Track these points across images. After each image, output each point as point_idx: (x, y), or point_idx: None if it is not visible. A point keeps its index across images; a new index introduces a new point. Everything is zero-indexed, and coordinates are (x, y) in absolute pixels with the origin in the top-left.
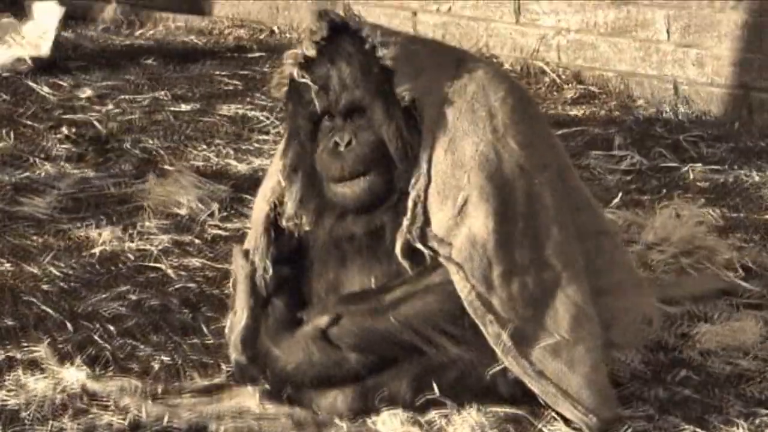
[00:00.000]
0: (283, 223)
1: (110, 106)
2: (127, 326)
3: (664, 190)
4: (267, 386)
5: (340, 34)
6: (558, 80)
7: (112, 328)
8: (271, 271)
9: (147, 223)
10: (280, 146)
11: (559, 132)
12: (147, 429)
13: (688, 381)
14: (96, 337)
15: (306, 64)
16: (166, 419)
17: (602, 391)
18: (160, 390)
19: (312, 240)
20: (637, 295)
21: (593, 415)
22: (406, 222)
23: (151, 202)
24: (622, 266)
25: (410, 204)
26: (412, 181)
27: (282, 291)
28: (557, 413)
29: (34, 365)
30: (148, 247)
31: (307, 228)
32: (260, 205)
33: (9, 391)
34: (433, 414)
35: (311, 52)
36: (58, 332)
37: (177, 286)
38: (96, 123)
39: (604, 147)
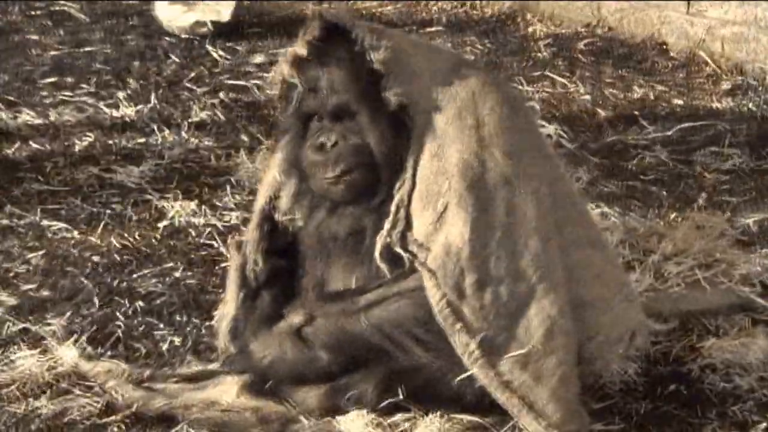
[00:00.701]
0: (278, 217)
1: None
2: (156, 304)
3: (753, 194)
4: (250, 378)
5: (334, 36)
6: (718, 71)
7: (140, 305)
8: (261, 264)
9: (226, 199)
10: (279, 141)
11: (686, 125)
12: (118, 414)
13: (677, 396)
14: (118, 314)
15: (300, 63)
16: (135, 406)
17: (569, 405)
18: (146, 375)
19: (303, 236)
20: (623, 310)
21: (556, 430)
22: (387, 225)
23: (242, 177)
24: (611, 280)
25: (393, 208)
26: (397, 185)
27: (272, 284)
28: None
29: (40, 340)
30: (215, 223)
31: (300, 224)
32: (259, 198)
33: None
34: (398, 417)
35: (303, 52)
36: (84, 307)
37: (224, 265)
38: (255, 89)
39: (720, 143)
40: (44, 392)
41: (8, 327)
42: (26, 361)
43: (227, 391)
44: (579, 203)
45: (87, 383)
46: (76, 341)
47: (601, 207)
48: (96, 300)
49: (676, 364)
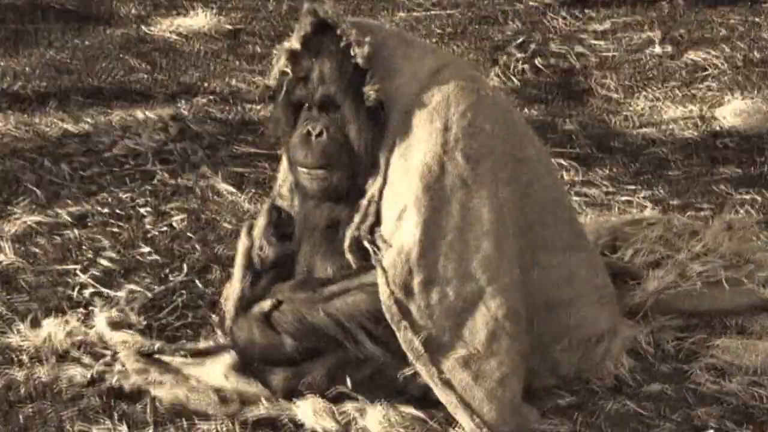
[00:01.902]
0: (278, 201)
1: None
2: (208, 278)
3: None
4: (235, 358)
5: (326, 30)
6: None
7: (195, 282)
8: (265, 248)
9: None
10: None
11: None
12: (100, 386)
13: (655, 395)
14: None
15: (294, 56)
16: (114, 379)
17: (505, 406)
18: (156, 347)
19: (296, 223)
20: (593, 314)
21: (488, 430)
22: (357, 218)
23: None
24: (583, 283)
25: (365, 202)
26: (370, 180)
27: (276, 269)
28: None
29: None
30: None
31: (297, 210)
32: (275, 184)
33: (22, 333)
34: (348, 406)
35: (296, 46)
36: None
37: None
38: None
39: None
40: (49, 359)
41: (80, 289)
42: (54, 327)
43: (216, 368)
44: (556, 207)
45: (99, 352)
46: (123, 309)
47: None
48: (149, 270)
49: (677, 362)
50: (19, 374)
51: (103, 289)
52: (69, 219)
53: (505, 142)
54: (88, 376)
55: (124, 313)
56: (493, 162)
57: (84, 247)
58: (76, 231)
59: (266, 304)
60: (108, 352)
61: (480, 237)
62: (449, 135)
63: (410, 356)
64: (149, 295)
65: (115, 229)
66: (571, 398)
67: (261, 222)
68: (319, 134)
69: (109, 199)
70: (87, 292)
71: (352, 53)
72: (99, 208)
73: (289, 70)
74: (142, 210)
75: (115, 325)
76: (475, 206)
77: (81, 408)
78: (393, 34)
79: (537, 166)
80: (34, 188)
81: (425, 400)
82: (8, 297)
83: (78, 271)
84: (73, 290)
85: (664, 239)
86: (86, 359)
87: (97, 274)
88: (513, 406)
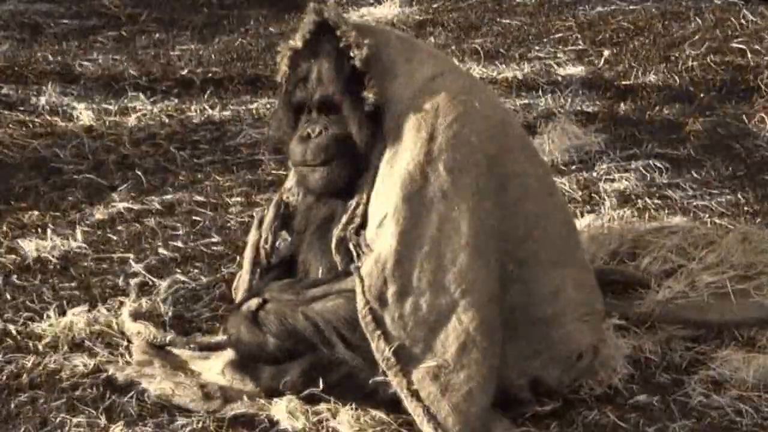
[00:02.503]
0: (286, 195)
1: None
2: None
3: None
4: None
5: (326, 31)
6: None
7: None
8: (270, 242)
9: None
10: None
11: None
12: (97, 376)
13: (638, 407)
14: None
15: (295, 56)
16: (111, 371)
17: (471, 420)
18: (168, 339)
19: (297, 219)
20: (575, 330)
21: None
22: (344, 219)
23: None
24: (568, 299)
25: (353, 204)
26: (360, 182)
27: (283, 263)
28: None
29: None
30: None
31: (296, 205)
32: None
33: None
34: (322, 406)
35: (298, 44)
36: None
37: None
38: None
39: None
40: (61, 348)
41: (128, 278)
42: (76, 316)
43: (216, 364)
44: (546, 223)
45: (114, 342)
46: (154, 300)
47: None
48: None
49: (678, 373)
50: (29, 362)
51: (151, 279)
52: (158, 207)
53: (491, 155)
54: (90, 366)
55: (155, 304)
56: (477, 175)
57: (156, 235)
58: (158, 219)
59: (253, 303)
60: (124, 343)
61: (457, 250)
62: (434, 145)
63: (382, 365)
64: (193, 285)
65: (198, 218)
66: (554, 405)
67: (269, 215)
68: (318, 135)
69: (209, 188)
70: (134, 281)
71: (351, 55)
72: (195, 197)
73: (289, 72)
74: (234, 200)
75: (137, 316)
76: (454, 218)
77: (71, 398)
78: (396, 38)
79: (528, 181)
80: (142, 175)
81: (395, 404)
82: (58, 283)
83: (132, 261)
84: (122, 279)
85: (680, 248)
86: (98, 349)
87: (154, 263)
88: (479, 420)
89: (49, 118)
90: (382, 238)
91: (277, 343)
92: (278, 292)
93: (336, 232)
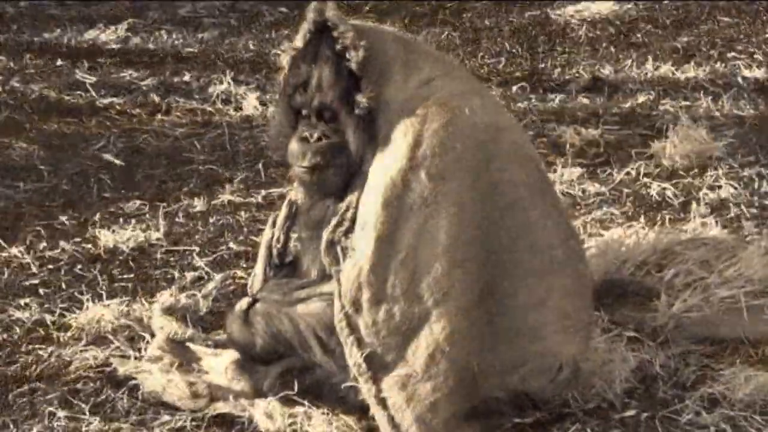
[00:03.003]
0: (297, 195)
1: None
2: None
3: None
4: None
5: (326, 33)
6: None
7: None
8: (282, 241)
9: None
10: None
11: None
12: (102, 370)
13: (623, 422)
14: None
15: (296, 58)
16: (114, 365)
17: (434, 430)
18: (187, 335)
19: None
20: (557, 342)
21: None
22: (333, 222)
23: None
24: (552, 310)
25: (343, 207)
26: (352, 185)
27: (293, 263)
28: None
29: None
30: None
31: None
32: None
33: (83, 314)
34: (298, 409)
35: (299, 45)
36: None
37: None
38: None
39: None
40: (81, 340)
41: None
42: (104, 308)
43: (223, 362)
44: (536, 233)
45: (136, 336)
46: (194, 294)
47: None
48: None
49: (681, 390)
50: (46, 353)
51: (209, 273)
52: (260, 200)
53: (477, 164)
54: (99, 359)
55: (195, 299)
56: (460, 183)
57: (240, 229)
58: (254, 213)
59: (244, 302)
60: (147, 337)
61: (432, 258)
62: (418, 151)
63: (353, 371)
64: (245, 282)
65: None
66: (535, 417)
67: (281, 214)
68: (317, 141)
69: None
70: (190, 275)
71: (347, 57)
72: None
73: (289, 75)
74: None
75: (170, 311)
76: (432, 227)
77: (68, 391)
78: (394, 39)
79: (518, 190)
80: (262, 168)
81: (367, 410)
82: (118, 275)
83: (196, 254)
84: (178, 271)
85: (704, 261)
86: (117, 343)
87: (221, 257)
88: (443, 431)
89: (214, 107)
90: (360, 243)
91: (263, 344)
92: (269, 292)
93: (325, 235)
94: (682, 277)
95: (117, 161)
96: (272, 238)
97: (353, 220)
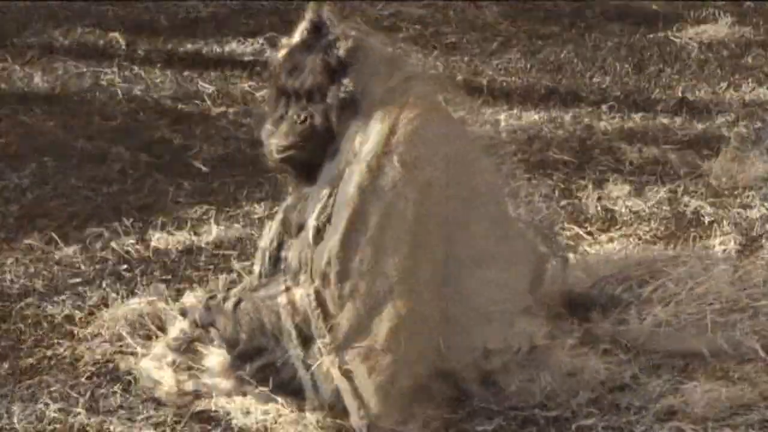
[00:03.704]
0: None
1: None
2: None
3: None
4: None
5: (321, 29)
6: None
7: None
8: (275, 245)
9: None
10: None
11: None
12: (107, 365)
13: (579, 429)
14: None
15: (293, 50)
16: (116, 361)
17: (391, 402)
18: (194, 335)
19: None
20: (518, 325)
21: (367, 421)
22: (318, 208)
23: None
24: (514, 296)
25: (325, 193)
26: (333, 172)
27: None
28: None
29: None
30: None
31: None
32: None
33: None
34: (271, 406)
35: (296, 40)
36: None
37: None
38: None
39: None
40: (98, 337)
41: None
42: (125, 307)
43: (221, 360)
44: (502, 224)
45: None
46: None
47: None
48: None
49: (645, 401)
50: (62, 347)
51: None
52: None
53: (450, 153)
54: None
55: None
56: (430, 170)
57: None
58: None
59: (231, 300)
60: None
61: (399, 238)
62: (393, 138)
63: (319, 344)
64: None
65: None
66: (499, 423)
67: (276, 218)
68: (303, 121)
69: None
70: (222, 278)
71: (336, 46)
72: None
73: (283, 63)
74: None
75: (184, 311)
76: (401, 208)
77: (69, 384)
78: (383, 43)
79: (486, 181)
80: None
81: (332, 408)
82: (159, 276)
83: (233, 258)
84: (217, 274)
85: (681, 279)
86: (130, 340)
87: None
88: (399, 402)
89: None
90: (335, 224)
91: (247, 339)
92: (251, 289)
93: (311, 222)
94: (660, 292)
95: (204, 168)
96: (267, 241)
97: (334, 206)
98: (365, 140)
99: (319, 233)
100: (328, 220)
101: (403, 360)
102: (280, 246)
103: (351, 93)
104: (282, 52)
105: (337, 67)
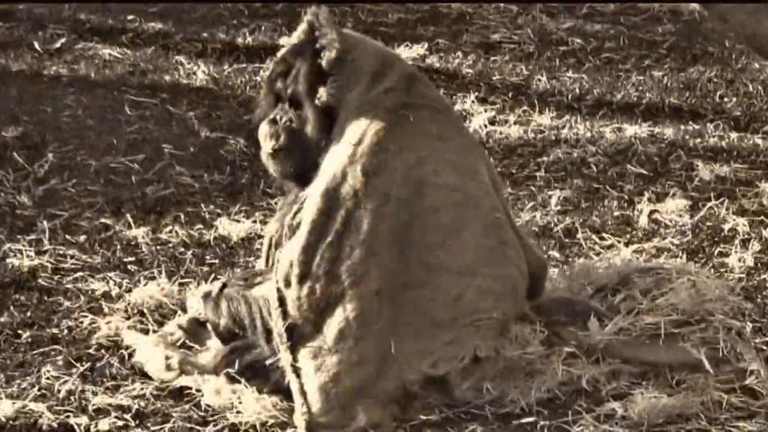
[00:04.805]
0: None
1: None
2: None
3: None
4: None
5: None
6: None
7: None
8: (276, 238)
9: None
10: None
11: None
12: (113, 340)
13: (521, 427)
14: None
15: (288, 52)
16: (122, 335)
17: (332, 401)
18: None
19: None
20: (467, 336)
21: (307, 417)
22: (294, 209)
23: None
24: (469, 306)
25: (303, 196)
26: (310, 176)
27: None
28: None
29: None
30: None
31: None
32: None
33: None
34: (238, 387)
35: (293, 42)
36: None
37: None
38: None
39: None
40: (120, 313)
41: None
42: (161, 289)
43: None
44: (464, 233)
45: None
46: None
47: None
48: None
49: (595, 404)
50: (86, 321)
51: None
52: None
53: (411, 165)
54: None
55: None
56: (391, 181)
57: None
58: None
59: (216, 286)
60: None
61: (354, 245)
62: (359, 148)
63: (276, 341)
64: None
65: None
66: (439, 415)
67: (278, 213)
68: (285, 124)
69: None
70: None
71: (321, 55)
72: None
73: (275, 67)
74: None
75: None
76: (358, 216)
77: (74, 356)
78: (375, 52)
79: (448, 194)
80: None
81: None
82: (209, 260)
83: None
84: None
85: (647, 290)
86: (144, 318)
87: None
88: (340, 401)
89: None
90: (300, 227)
91: (225, 324)
92: (236, 278)
93: (286, 221)
94: (628, 302)
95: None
96: (271, 235)
97: None
98: (337, 149)
99: (292, 231)
100: (299, 223)
101: (347, 362)
102: (280, 240)
103: (327, 103)
104: (279, 54)
105: (319, 76)
